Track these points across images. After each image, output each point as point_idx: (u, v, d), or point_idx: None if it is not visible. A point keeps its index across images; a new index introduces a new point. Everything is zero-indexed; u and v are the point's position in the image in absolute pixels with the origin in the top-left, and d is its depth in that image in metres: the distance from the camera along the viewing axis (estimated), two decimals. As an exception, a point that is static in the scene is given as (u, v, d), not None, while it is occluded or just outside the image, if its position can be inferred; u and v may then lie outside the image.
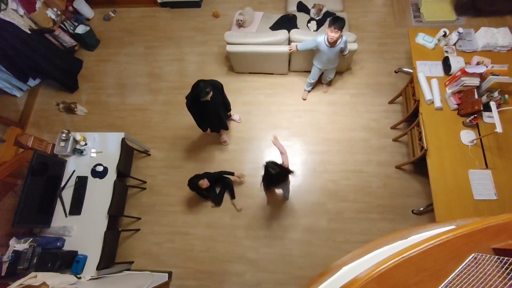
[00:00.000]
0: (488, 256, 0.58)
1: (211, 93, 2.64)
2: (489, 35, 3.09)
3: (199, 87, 2.57)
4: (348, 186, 3.52)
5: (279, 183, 2.60)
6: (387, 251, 0.83)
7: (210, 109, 2.93)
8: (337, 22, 2.84)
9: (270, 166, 2.40)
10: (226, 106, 3.36)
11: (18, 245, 2.64)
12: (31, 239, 2.73)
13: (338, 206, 3.45)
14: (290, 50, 3.43)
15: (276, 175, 2.40)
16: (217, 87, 2.89)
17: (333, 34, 2.92)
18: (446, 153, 2.77)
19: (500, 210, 2.51)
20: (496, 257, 0.56)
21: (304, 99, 3.98)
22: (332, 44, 3.05)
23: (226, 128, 3.55)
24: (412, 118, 3.28)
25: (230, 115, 3.76)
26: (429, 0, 4.40)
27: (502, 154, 2.72)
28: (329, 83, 3.98)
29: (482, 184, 2.63)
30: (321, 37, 3.08)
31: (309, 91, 3.96)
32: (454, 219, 2.53)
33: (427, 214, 3.31)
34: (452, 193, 2.64)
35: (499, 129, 2.46)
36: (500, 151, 2.73)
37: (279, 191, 3.15)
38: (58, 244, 2.82)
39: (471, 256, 0.57)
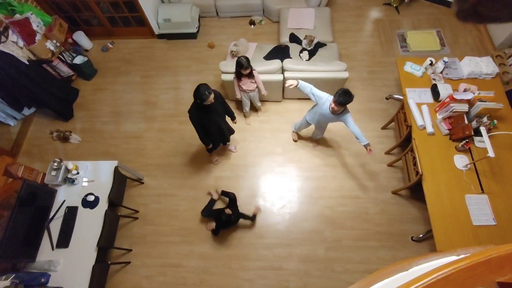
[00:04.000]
0: (493, 291, 0.55)
1: (213, 94, 2.64)
2: (473, 64, 3.22)
3: (200, 90, 2.58)
4: (345, 213, 3.46)
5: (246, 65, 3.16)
6: (387, 284, 0.79)
7: (212, 119, 2.93)
8: (342, 98, 2.58)
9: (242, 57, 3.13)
10: (231, 115, 3.28)
11: (-2, 282, 2.48)
12: (13, 275, 2.56)
13: (335, 233, 3.37)
14: (290, 86, 2.92)
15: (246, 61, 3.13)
16: (218, 97, 2.87)
17: (335, 107, 2.69)
18: (441, 178, 2.77)
19: (499, 236, 2.46)
20: (502, 292, 0.54)
21: (295, 140, 3.89)
22: (334, 112, 2.80)
23: (227, 140, 3.59)
24: (405, 143, 3.32)
25: (234, 125, 3.55)
26: (414, 31, 4.64)
27: (496, 178, 2.72)
28: (318, 141, 3.88)
29: (479, 209, 2.60)
30: (329, 100, 2.78)
31: (296, 133, 3.83)
32: (454, 246, 2.48)
33: (426, 240, 3.24)
34: (450, 218, 2.60)
35: (491, 153, 2.49)
36: (494, 175, 2.74)
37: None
38: (43, 280, 2.66)
39: (475, 292, 0.55)
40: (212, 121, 2.97)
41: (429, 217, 2.65)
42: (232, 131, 3.55)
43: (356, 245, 3.30)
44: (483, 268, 0.57)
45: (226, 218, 3.02)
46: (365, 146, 2.87)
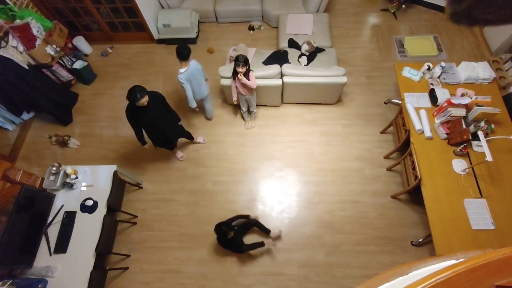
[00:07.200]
0: (492, 295, 0.55)
1: (146, 97, 2.67)
2: (470, 69, 3.25)
3: (133, 92, 2.61)
4: (344, 217, 3.46)
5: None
6: (387, 289, 0.79)
7: (150, 120, 2.94)
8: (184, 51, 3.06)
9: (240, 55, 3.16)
10: (174, 117, 3.31)
11: (-5, 288, 2.46)
12: (10, 281, 2.54)
13: (335, 238, 3.36)
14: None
15: (243, 59, 3.12)
16: (157, 98, 2.94)
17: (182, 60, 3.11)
18: (440, 182, 2.78)
19: (498, 240, 2.46)
20: (501, 296, 0.54)
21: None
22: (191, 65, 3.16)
23: (174, 145, 3.53)
24: (404, 147, 3.33)
25: (181, 127, 3.57)
26: (412, 37, 4.69)
27: (494, 182, 2.73)
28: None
29: (478, 213, 2.61)
30: (182, 72, 3.14)
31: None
32: (453, 250, 2.48)
33: (426, 245, 3.23)
34: (449, 223, 2.60)
35: (489, 158, 2.50)
36: (493, 179, 2.75)
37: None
38: (40, 286, 2.62)
39: (474, 296, 0.55)
40: (149, 121, 2.98)
41: (428, 221, 2.65)
42: (186, 134, 3.60)
43: (355, 250, 3.29)
44: (482, 271, 0.57)
45: (225, 230, 2.85)
46: None
